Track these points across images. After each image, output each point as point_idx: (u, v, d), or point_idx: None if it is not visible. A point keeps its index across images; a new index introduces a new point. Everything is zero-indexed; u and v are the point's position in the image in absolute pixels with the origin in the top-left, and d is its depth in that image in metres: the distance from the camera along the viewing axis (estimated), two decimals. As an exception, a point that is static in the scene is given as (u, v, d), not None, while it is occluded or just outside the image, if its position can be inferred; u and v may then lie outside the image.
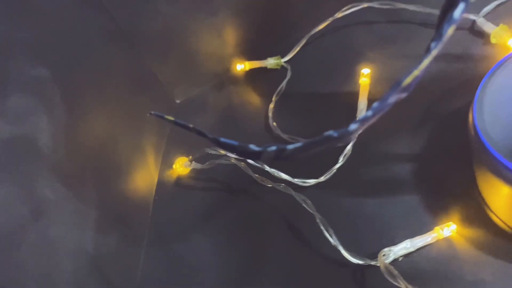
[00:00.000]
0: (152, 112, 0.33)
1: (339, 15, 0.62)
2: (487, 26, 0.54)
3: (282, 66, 0.65)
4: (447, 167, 0.46)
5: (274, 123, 0.59)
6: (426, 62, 0.26)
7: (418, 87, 0.27)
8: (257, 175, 0.54)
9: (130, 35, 0.60)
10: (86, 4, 0.54)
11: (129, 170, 0.57)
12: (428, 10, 0.57)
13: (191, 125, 0.31)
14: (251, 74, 0.67)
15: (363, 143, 0.51)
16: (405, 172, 0.48)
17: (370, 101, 0.54)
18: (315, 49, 0.64)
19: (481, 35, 0.54)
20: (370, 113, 0.27)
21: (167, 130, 0.68)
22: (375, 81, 0.56)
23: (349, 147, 0.52)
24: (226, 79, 0.69)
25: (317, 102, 0.59)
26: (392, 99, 0.28)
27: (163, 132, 0.67)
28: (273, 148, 0.29)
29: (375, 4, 0.61)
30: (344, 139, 0.28)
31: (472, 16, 0.55)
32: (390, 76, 0.55)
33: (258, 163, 0.53)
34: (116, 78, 0.58)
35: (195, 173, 0.61)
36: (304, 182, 0.52)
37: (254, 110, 0.64)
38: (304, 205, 0.49)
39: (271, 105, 0.61)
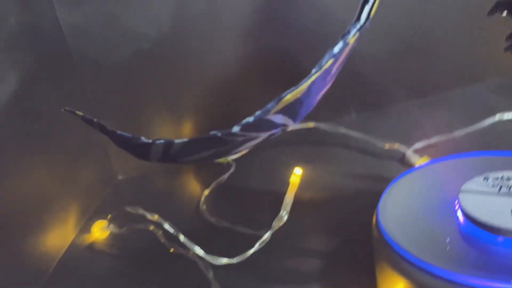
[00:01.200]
0: (66, 108, 0.35)
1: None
2: (414, 158, 0.59)
3: (228, 162, 0.69)
4: (351, 273, 0.46)
5: (204, 207, 0.60)
6: (305, 85, 0.29)
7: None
8: (172, 248, 0.53)
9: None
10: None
11: (39, 230, 0.55)
12: (368, 138, 0.64)
13: (95, 119, 0.32)
14: (196, 164, 0.70)
15: (280, 237, 0.52)
16: (312, 271, 0.48)
17: (297, 198, 0.56)
18: (261, 152, 0.68)
19: (408, 166, 0.59)
20: (251, 119, 0.29)
21: (104, 193, 0.68)
22: (305, 182, 0.59)
23: (265, 236, 0.52)
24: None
25: (249, 195, 0.61)
26: (278, 118, 0.31)
27: (96, 194, 0.66)
28: (162, 141, 0.30)
29: (321, 125, 0.68)
30: (227, 140, 0.30)
31: (402, 149, 0.61)
32: (320, 181, 0.59)
33: (172, 230, 0.53)
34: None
35: (112, 239, 0.59)
36: (215, 259, 0.51)
37: (189, 194, 0.65)
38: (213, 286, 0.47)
39: (206, 191, 0.63)
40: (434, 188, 0.46)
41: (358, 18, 0.30)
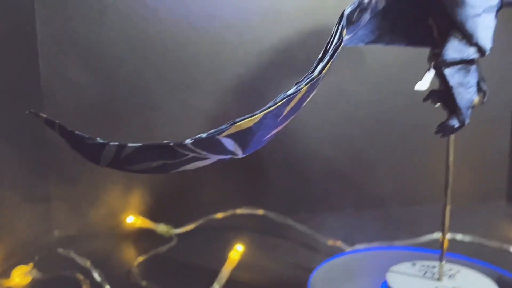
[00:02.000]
0: (31, 111, 0.36)
1: (238, 211, 0.70)
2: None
3: (171, 235, 0.68)
4: None
5: (137, 270, 0.58)
6: (259, 115, 0.32)
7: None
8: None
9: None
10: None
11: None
12: (312, 232, 0.66)
13: (56, 121, 0.34)
14: (139, 232, 0.69)
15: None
16: None
17: (233, 275, 0.56)
18: (206, 231, 0.69)
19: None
20: (204, 135, 0.32)
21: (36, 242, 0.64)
22: (244, 262, 0.60)
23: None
24: (115, 226, 0.70)
25: (186, 267, 0.60)
26: (229, 142, 0.33)
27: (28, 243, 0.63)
28: (116, 143, 0.32)
29: (270, 214, 0.70)
30: (178, 153, 0.32)
31: (344, 247, 0.63)
32: (258, 264, 0.59)
33: (100, 279, 0.50)
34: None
35: (34, 285, 0.55)
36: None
37: (126, 256, 0.63)
38: None
39: (142, 257, 0.62)
40: (362, 271, 0.48)
41: (313, 71, 0.35)
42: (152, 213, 0.71)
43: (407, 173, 0.80)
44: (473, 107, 0.45)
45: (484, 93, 0.45)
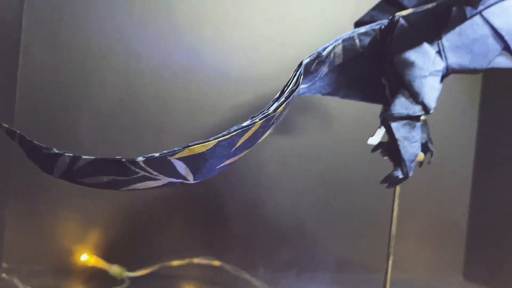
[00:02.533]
0: None
1: (194, 260, 0.69)
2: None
3: (122, 278, 0.66)
4: None
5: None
6: (213, 142, 0.34)
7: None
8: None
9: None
10: None
11: None
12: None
13: (17, 131, 0.35)
14: (92, 271, 0.67)
15: None
16: None
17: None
18: (160, 279, 0.68)
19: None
20: (157, 154, 0.33)
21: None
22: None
23: None
24: (68, 262, 0.68)
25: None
26: (180, 166, 0.35)
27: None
28: (70, 154, 0.33)
29: (227, 266, 0.69)
30: (129, 170, 0.33)
31: None
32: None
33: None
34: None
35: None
36: None
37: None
38: None
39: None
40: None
41: (268, 108, 0.37)
42: (107, 253, 0.70)
43: (359, 239, 0.81)
44: (420, 164, 0.47)
45: (432, 153, 0.48)
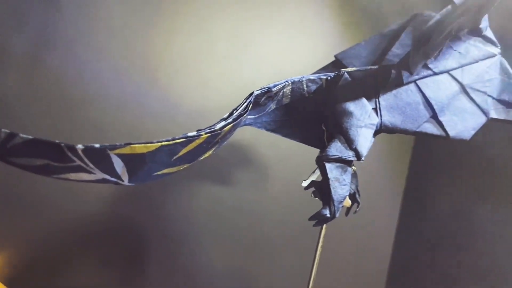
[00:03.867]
0: None
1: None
2: None
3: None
4: None
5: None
6: (156, 145, 0.35)
7: None
8: None
9: None
10: None
11: None
12: None
13: None
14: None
15: None
16: None
17: None
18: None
19: None
20: (98, 144, 0.33)
21: None
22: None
23: None
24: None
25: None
26: (118, 163, 0.35)
27: None
28: (7, 131, 0.32)
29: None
30: (66, 156, 0.33)
31: None
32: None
33: None
34: None
35: None
36: None
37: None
38: None
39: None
40: None
41: (215, 125, 0.38)
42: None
43: None
44: (346, 213, 0.50)
45: (358, 204, 0.51)
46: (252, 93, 0.42)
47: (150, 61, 0.74)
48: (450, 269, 0.80)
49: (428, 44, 0.43)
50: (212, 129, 0.38)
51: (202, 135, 0.37)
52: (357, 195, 0.51)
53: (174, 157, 0.37)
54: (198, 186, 0.79)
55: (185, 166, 0.39)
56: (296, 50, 0.82)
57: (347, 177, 0.45)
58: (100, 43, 0.71)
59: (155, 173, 0.37)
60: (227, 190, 0.81)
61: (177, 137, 0.36)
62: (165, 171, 0.38)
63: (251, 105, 0.42)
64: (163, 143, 0.35)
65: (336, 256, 0.86)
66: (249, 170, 0.83)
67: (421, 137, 0.49)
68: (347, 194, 0.45)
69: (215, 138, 0.39)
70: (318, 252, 0.48)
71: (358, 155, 0.45)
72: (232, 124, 0.39)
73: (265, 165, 0.84)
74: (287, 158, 0.82)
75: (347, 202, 0.48)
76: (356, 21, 0.85)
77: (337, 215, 0.45)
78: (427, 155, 0.92)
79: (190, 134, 0.37)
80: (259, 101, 0.44)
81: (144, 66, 0.74)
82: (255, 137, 0.81)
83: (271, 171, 0.84)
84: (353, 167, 0.49)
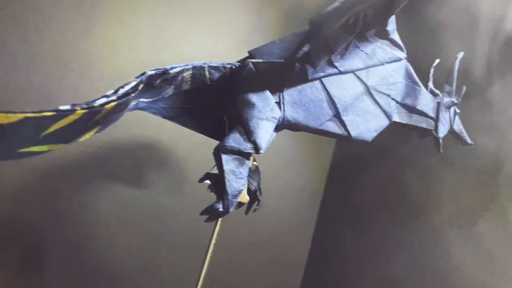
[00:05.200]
0: None
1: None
2: None
3: None
4: None
5: None
6: (21, 115, 0.31)
7: None
8: None
9: None
10: None
11: None
12: None
13: None
14: None
15: None
16: None
17: None
18: None
19: None
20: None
21: None
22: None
23: None
24: None
25: None
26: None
27: None
28: None
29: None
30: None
31: None
32: None
33: None
34: None
35: None
36: None
37: None
38: None
39: None
40: None
41: (94, 101, 0.35)
42: None
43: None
44: (240, 206, 0.47)
45: (259, 202, 0.49)
46: (144, 73, 0.39)
47: (63, 50, 0.69)
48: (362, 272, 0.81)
49: (322, 28, 0.42)
50: (91, 105, 0.34)
51: (77, 110, 0.34)
52: (258, 193, 0.49)
53: (43, 133, 0.33)
54: (108, 187, 0.75)
55: (59, 145, 0.35)
56: (218, 50, 0.80)
57: (244, 171, 0.43)
58: (11, 33, 0.66)
59: (20, 150, 0.33)
60: (140, 192, 0.77)
61: (46, 110, 0.32)
62: (33, 148, 0.34)
63: (142, 85, 0.39)
64: (28, 115, 0.31)
65: (251, 260, 0.84)
66: (166, 173, 0.80)
67: (324, 136, 0.48)
68: (243, 188, 0.43)
69: (94, 116, 0.35)
70: (210, 252, 0.45)
71: (256, 148, 0.43)
72: (116, 102, 0.36)
73: (182, 167, 0.80)
74: (207, 161, 0.80)
75: (244, 197, 0.46)
76: (279, 21, 0.85)
77: (231, 210, 0.43)
78: (346, 162, 0.94)
79: (62, 107, 0.33)
80: (154, 83, 0.41)
81: (56, 56, 0.69)
82: (174, 138, 0.78)
83: (189, 174, 0.80)
84: (255, 163, 0.47)
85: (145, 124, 0.75)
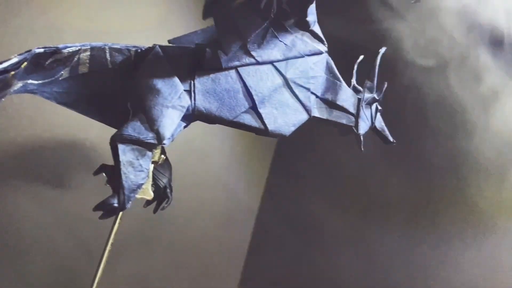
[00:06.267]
0: None
1: None
2: None
3: None
4: None
5: None
6: None
7: None
8: None
9: None
10: None
11: None
12: None
13: None
14: None
15: None
16: None
17: None
18: None
19: None
20: None
21: None
22: None
23: None
24: None
25: None
26: None
27: None
28: None
29: None
30: None
31: None
32: None
33: None
34: None
35: None
36: None
37: None
38: None
39: None
40: None
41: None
42: None
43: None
44: (146, 204, 0.44)
45: (168, 200, 0.45)
46: (30, 50, 0.35)
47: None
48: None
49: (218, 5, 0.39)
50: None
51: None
52: (168, 190, 0.45)
53: None
54: (30, 189, 0.67)
55: None
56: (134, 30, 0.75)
57: (145, 163, 0.39)
58: None
59: None
60: (66, 195, 0.70)
61: None
62: None
63: (26, 63, 0.34)
64: None
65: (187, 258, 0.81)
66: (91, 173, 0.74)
67: (240, 129, 0.45)
68: (143, 182, 0.39)
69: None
70: (107, 251, 0.41)
71: (159, 138, 0.39)
72: None
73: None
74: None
75: (148, 193, 0.42)
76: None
77: (128, 205, 0.38)
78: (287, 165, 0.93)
79: None
80: (43, 63, 0.36)
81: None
82: (101, 136, 0.72)
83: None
84: (162, 156, 0.44)
85: (70, 123, 0.69)
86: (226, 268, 0.91)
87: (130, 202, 0.38)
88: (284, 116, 0.46)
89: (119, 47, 0.41)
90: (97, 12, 0.71)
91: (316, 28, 0.48)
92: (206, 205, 0.89)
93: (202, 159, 0.90)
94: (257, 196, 0.96)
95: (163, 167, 0.46)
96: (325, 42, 0.49)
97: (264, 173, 0.97)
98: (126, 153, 0.38)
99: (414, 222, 0.77)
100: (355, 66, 0.53)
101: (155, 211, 0.45)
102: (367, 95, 0.50)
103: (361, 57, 0.53)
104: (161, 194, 0.45)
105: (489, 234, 0.70)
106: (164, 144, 0.40)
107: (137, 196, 0.40)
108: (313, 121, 0.49)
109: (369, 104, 0.51)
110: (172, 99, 0.40)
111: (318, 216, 0.84)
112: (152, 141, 0.39)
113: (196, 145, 0.86)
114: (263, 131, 0.45)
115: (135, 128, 0.39)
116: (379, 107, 0.52)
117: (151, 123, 0.39)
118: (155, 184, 0.45)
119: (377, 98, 0.51)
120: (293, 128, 0.46)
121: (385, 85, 0.52)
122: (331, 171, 0.87)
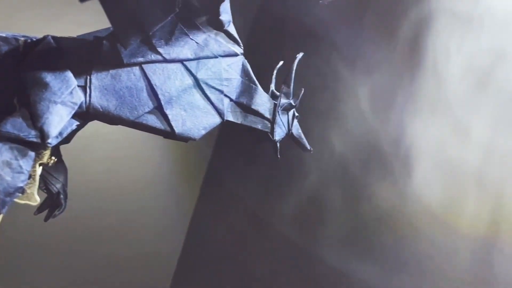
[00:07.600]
0: None
1: None
2: None
3: None
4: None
5: None
6: None
7: None
8: None
9: None
10: None
11: None
12: None
13: None
14: None
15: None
16: None
17: None
18: None
19: None
20: None
21: None
22: None
23: None
24: None
25: None
26: None
27: None
28: None
29: None
30: None
31: None
32: None
33: None
34: None
35: None
36: None
37: None
38: None
39: None
40: None
41: None
42: None
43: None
44: (50, 216, 0.40)
45: (62, 208, 0.41)
46: None
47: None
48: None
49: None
50: None
51: None
52: (61, 196, 0.41)
53: None
54: None
55: None
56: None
57: (26, 164, 0.35)
58: None
59: None
60: None
61: None
62: None
63: None
64: None
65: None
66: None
67: (144, 131, 0.42)
68: (22, 185, 0.35)
69: None
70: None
71: (43, 136, 0.35)
72: None
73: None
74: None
75: (33, 198, 0.38)
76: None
77: (4, 211, 0.34)
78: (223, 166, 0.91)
79: None
80: None
81: None
82: None
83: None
84: (53, 158, 0.39)
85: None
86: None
87: (6, 206, 0.34)
88: (194, 119, 0.43)
89: (5, 35, 0.37)
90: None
91: (231, 29, 0.46)
92: (135, 215, 0.85)
93: (132, 167, 0.86)
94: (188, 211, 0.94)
95: (57, 170, 0.41)
96: (241, 44, 0.47)
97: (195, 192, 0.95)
98: (2, 153, 0.34)
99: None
100: (274, 72, 0.51)
101: (46, 219, 0.41)
102: (284, 101, 0.49)
103: (281, 62, 0.51)
104: (54, 201, 0.41)
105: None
106: (49, 144, 0.36)
107: (20, 201, 0.36)
108: (227, 125, 0.46)
109: (286, 110, 0.49)
110: (62, 95, 0.36)
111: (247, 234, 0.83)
112: (34, 139, 0.35)
113: (124, 152, 0.82)
114: (169, 134, 0.42)
115: (15, 125, 0.34)
116: (296, 114, 0.51)
117: (35, 120, 0.35)
118: (47, 189, 0.41)
119: (293, 104, 0.50)
120: (203, 132, 0.44)
121: (302, 91, 0.50)
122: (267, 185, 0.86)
